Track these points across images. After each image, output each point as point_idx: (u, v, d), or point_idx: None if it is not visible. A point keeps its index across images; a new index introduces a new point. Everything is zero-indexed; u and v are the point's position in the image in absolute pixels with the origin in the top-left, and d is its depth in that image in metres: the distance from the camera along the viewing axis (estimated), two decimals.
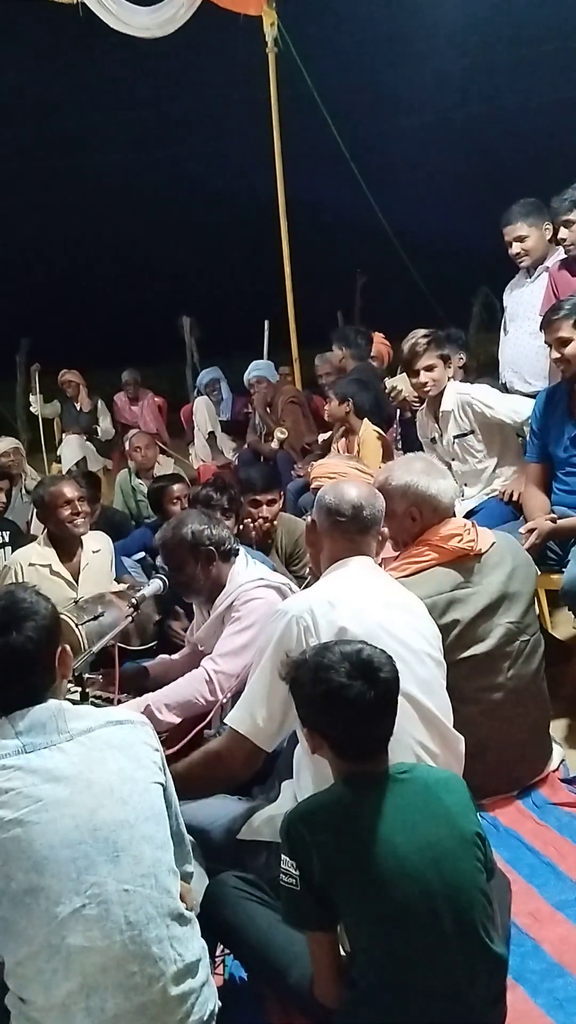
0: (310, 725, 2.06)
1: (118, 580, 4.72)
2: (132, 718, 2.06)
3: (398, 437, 5.47)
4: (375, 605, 2.49)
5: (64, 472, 8.14)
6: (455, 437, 4.44)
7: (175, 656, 3.59)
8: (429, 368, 4.41)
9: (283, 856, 1.94)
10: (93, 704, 2.89)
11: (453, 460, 4.48)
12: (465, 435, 4.42)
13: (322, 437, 6.75)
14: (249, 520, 4.54)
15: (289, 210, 8.29)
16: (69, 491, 4.32)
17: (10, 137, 13.58)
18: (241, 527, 4.52)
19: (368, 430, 5.54)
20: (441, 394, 4.45)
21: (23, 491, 6.97)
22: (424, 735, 2.40)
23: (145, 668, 3.60)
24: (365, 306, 10.56)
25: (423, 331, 4.56)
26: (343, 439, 5.73)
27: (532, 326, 4.11)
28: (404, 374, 5.26)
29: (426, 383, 4.43)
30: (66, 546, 4.41)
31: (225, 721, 2.65)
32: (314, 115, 8.56)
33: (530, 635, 3.10)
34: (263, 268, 8.85)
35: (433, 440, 4.61)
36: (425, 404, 4.63)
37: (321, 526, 2.69)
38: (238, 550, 3.37)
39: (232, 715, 2.61)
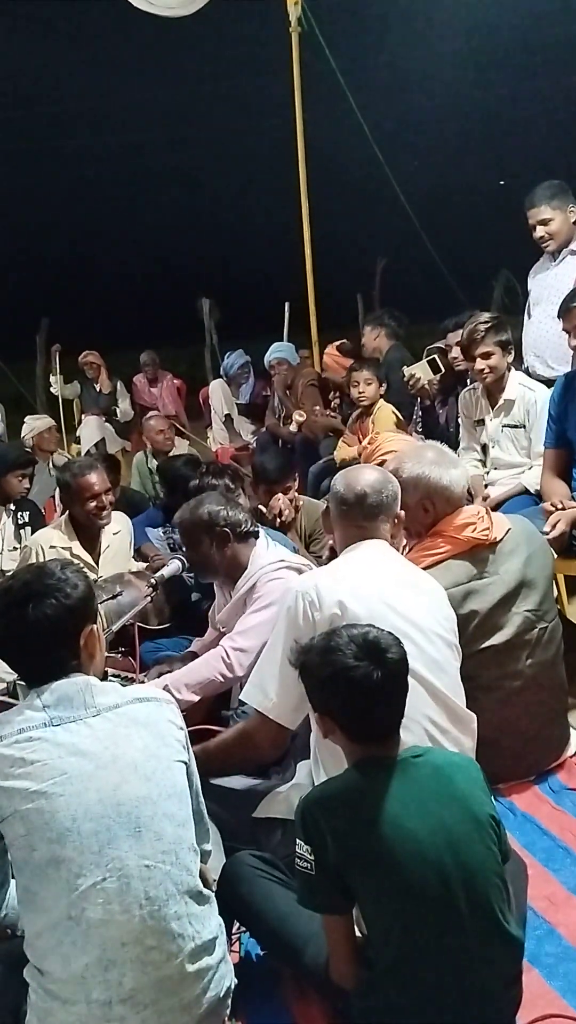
0: (320, 709, 2.07)
1: (140, 549, 4.74)
2: (158, 696, 2.08)
3: (418, 420, 5.44)
4: (382, 583, 2.51)
5: (83, 453, 8.19)
6: (505, 426, 4.42)
7: (206, 639, 3.59)
8: (486, 355, 4.37)
9: (298, 841, 1.95)
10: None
11: (493, 446, 4.45)
12: (517, 427, 4.39)
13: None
14: (267, 509, 4.52)
15: (310, 192, 8.25)
16: (97, 484, 4.31)
17: (31, 118, 13.58)
18: (256, 506, 4.50)
19: (384, 406, 5.55)
20: (500, 380, 4.42)
21: (51, 465, 7.09)
22: (434, 711, 2.41)
23: (194, 653, 3.58)
24: (385, 289, 10.51)
25: (486, 315, 4.51)
26: (359, 421, 5.72)
27: (556, 310, 4.08)
28: (423, 361, 5.25)
29: (483, 370, 4.39)
30: (87, 529, 4.42)
31: (240, 697, 2.68)
32: (336, 96, 8.49)
33: (548, 622, 3.08)
34: (283, 250, 8.83)
35: (480, 422, 4.58)
36: (481, 385, 4.59)
37: (332, 513, 2.76)
38: (257, 532, 3.38)
39: (246, 691, 2.65)
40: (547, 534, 3.49)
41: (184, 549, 3.51)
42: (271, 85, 8.79)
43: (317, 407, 6.88)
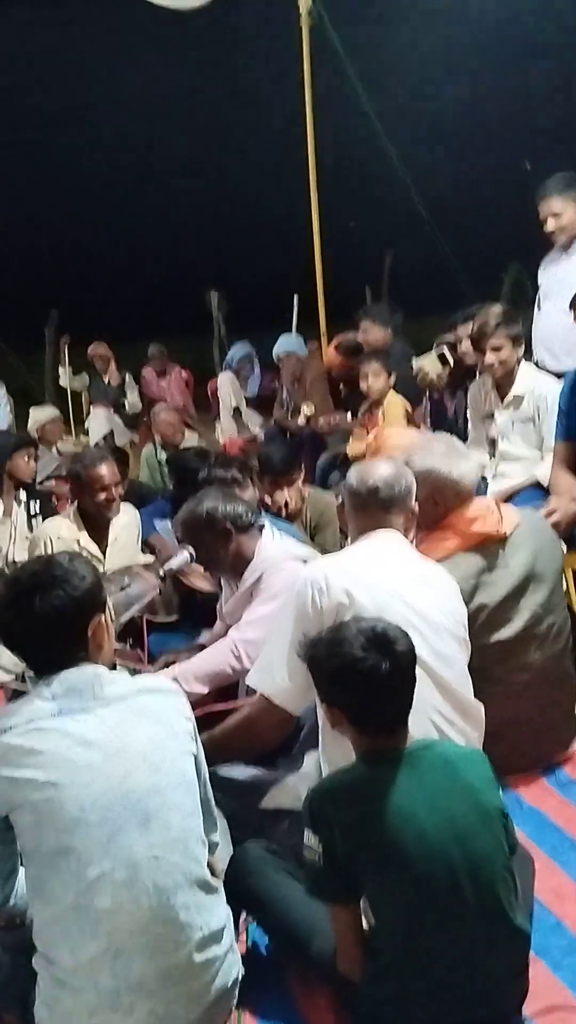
0: (328, 700, 2.08)
1: (147, 541, 4.76)
2: (166, 687, 2.09)
3: (426, 413, 5.43)
4: (391, 573, 2.51)
5: (92, 445, 8.22)
6: (515, 420, 4.41)
7: (215, 630, 3.60)
8: (496, 348, 4.34)
9: (306, 831, 1.96)
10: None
11: (502, 439, 4.44)
12: (527, 421, 4.38)
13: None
14: (271, 501, 4.51)
15: (320, 184, 8.21)
16: (107, 476, 4.33)
17: (39, 109, 13.57)
18: (262, 497, 4.50)
19: (393, 398, 5.53)
20: (510, 373, 4.40)
21: (55, 451, 7.17)
22: (440, 702, 2.41)
23: (202, 645, 3.59)
24: (393, 282, 10.47)
25: (498, 307, 4.49)
26: (368, 413, 5.71)
27: (566, 303, 4.06)
28: (432, 354, 5.23)
29: (493, 363, 4.38)
30: (96, 520, 4.43)
31: (246, 682, 2.68)
32: (347, 88, 8.45)
33: (557, 616, 3.07)
34: (292, 243, 8.79)
35: (489, 415, 4.56)
36: (490, 378, 4.58)
37: (346, 506, 2.78)
38: (263, 523, 3.37)
39: (251, 676, 2.65)
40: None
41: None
42: (281, 77, 8.74)
43: (322, 417, 6.83)
